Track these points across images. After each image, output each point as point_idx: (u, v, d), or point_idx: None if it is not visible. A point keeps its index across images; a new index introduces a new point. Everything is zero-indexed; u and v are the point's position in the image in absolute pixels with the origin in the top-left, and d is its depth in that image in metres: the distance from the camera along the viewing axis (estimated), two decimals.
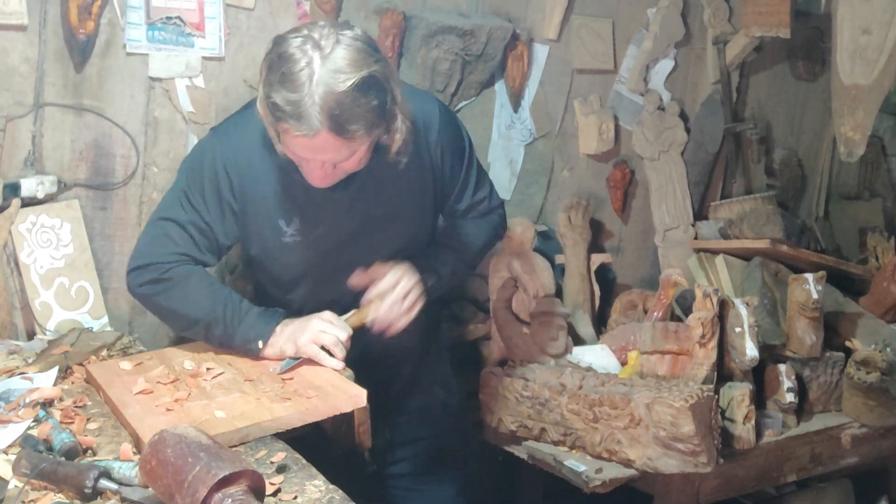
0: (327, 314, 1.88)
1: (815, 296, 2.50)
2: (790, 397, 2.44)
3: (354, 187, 1.87)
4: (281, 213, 1.88)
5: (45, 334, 2.22)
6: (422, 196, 1.98)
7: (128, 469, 1.43)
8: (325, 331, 1.84)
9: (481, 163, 2.11)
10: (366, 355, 1.93)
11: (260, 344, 1.87)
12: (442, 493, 2.31)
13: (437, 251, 2.05)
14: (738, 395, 2.29)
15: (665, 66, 3.19)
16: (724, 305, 2.36)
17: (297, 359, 1.85)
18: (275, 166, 1.84)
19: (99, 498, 1.39)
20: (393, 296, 1.88)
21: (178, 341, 2.12)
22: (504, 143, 2.95)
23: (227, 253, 2.01)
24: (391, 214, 1.94)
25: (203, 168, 1.88)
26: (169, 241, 1.89)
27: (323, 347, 1.85)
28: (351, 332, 1.87)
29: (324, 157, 1.70)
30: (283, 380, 1.77)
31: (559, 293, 2.89)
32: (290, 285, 2.00)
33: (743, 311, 2.36)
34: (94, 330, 2.25)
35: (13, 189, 2.19)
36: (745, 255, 2.99)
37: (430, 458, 2.26)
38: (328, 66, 1.59)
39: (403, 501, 2.29)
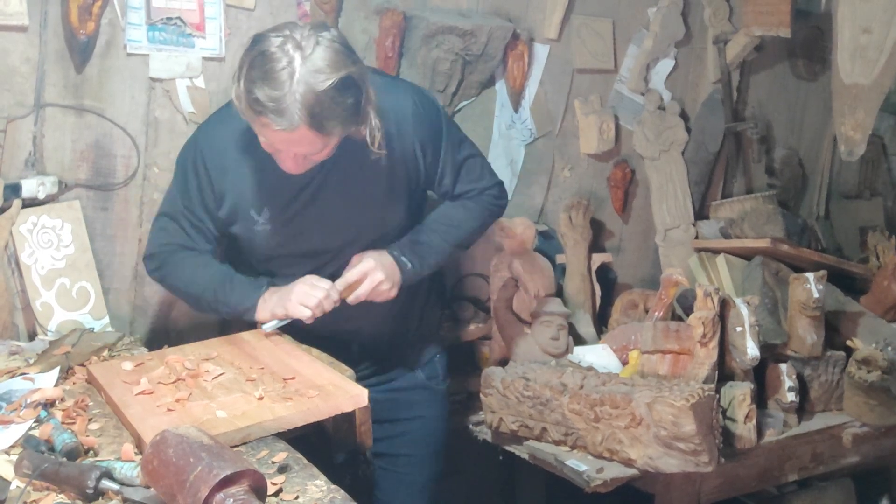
0: (310, 277, 2.00)
1: (815, 295, 2.50)
2: (791, 396, 2.44)
3: (320, 178, 1.98)
4: (252, 203, 2.01)
5: (46, 335, 2.22)
6: (392, 182, 2.05)
7: (129, 469, 1.43)
8: (308, 293, 1.97)
9: None
10: (339, 332, 2.06)
11: (252, 311, 2.02)
12: (419, 477, 2.33)
13: (422, 234, 2.12)
14: (740, 394, 2.29)
15: (665, 65, 3.19)
16: (724, 305, 2.36)
17: (285, 320, 1.99)
18: (247, 159, 1.97)
19: (101, 498, 1.39)
20: (359, 291, 2.01)
21: (179, 341, 2.12)
22: (504, 143, 2.95)
23: (221, 240, 2.12)
24: (358, 202, 2.03)
25: (186, 163, 2.04)
26: (165, 233, 2.09)
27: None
28: (334, 292, 1.99)
29: (299, 150, 1.82)
30: (285, 379, 1.78)
31: (560, 293, 2.89)
32: (269, 268, 2.11)
33: (744, 310, 2.36)
34: (95, 330, 2.25)
35: (14, 190, 2.20)
36: (746, 255, 2.98)
37: (409, 441, 2.28)
38: (309, 66, 1.70)
39: (379, 482, 2.31)
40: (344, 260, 2.06)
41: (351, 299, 2.01)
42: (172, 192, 2.09)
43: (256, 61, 1.72)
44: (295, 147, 1.80)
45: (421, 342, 2.32)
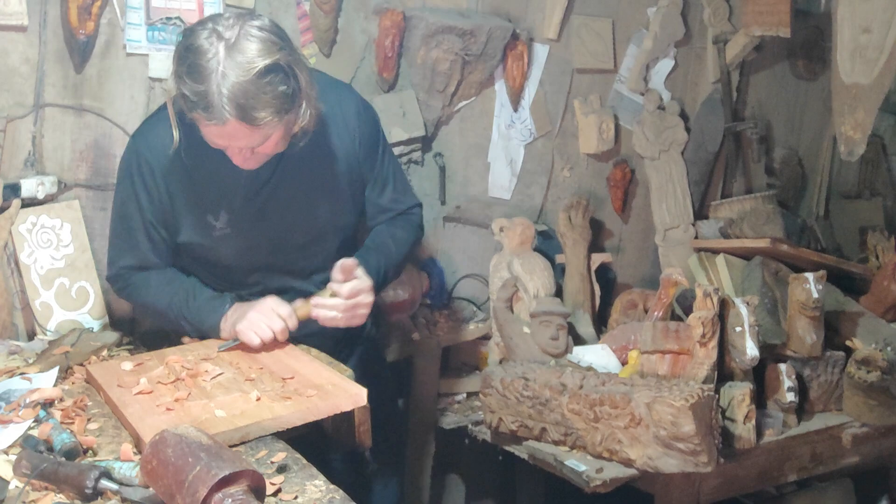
0: (269, 301, 1.94)
1: (815, 295, 2.50)
2: (791, 397, 2.43)
3: (277, 176, 1.94)
4: (209, 207, 1.95)
5: (45, 335, 2.22)
6: (342, 178, 2.03)
7: (128, 469, 1.43)
8: (261, 320, 1.90)
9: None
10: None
11: (215, 329, 1.97)
12: (385, 467, 2.34)
13: (369, 255, 2.06)
14: (739, 394, 2.28)
15: (665, 65, 3.19)
16: (724, 305, 2.35)
17: (237, 340, 1.93)
18: (196, 160, 1.89)
19: (100, 498, 1.39)
20: (346, 303, 1.93)
21: (178, 341, 2.12)
22: (504, 143, 2.95)
23: (177, 253, 2.06)
24: (315, 199, 2.00)
25: (132, 175, 1.95)
26: (121, 256, 2.04)
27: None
28: (292, 321, 1.93)
29: (237, 144, 1.76)
30: (284, 379, 1.78)
31: (559, 293, 2.89)
32: (227, 280, 2.06)
33: (743, 310, 2.36)
34: (94, 330, 2.25)
35: (13, 189, 2.20)
36: (746, 255, 2.98)
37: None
38: (233, 57, 1.65)
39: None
40: (304, 265, 2.03)
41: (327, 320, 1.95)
42: (121, 210, 1.99)
43: (182, 56, 1.69)
44: (232, 141, 1.75)
45: (361, 330, 2.28)
